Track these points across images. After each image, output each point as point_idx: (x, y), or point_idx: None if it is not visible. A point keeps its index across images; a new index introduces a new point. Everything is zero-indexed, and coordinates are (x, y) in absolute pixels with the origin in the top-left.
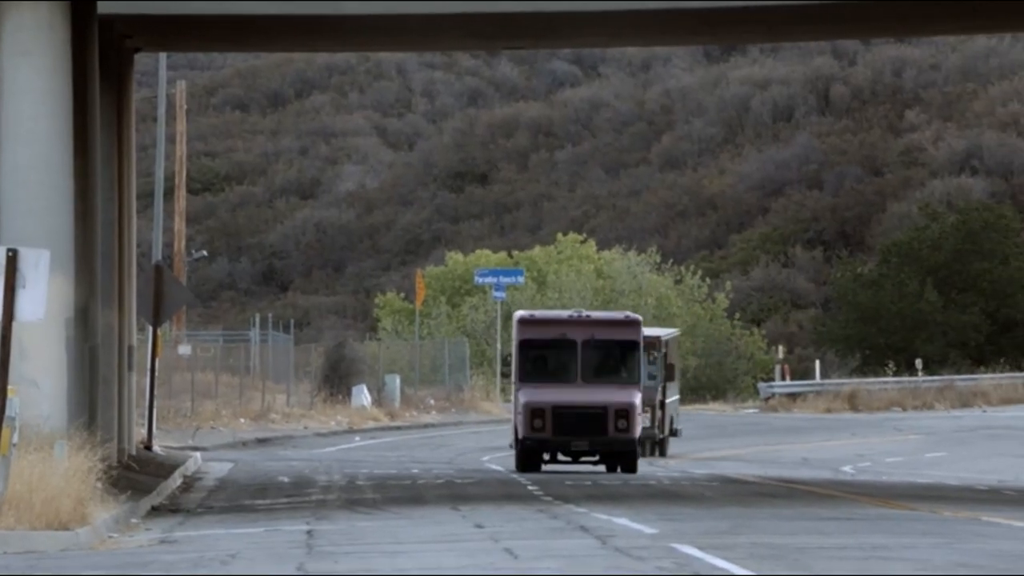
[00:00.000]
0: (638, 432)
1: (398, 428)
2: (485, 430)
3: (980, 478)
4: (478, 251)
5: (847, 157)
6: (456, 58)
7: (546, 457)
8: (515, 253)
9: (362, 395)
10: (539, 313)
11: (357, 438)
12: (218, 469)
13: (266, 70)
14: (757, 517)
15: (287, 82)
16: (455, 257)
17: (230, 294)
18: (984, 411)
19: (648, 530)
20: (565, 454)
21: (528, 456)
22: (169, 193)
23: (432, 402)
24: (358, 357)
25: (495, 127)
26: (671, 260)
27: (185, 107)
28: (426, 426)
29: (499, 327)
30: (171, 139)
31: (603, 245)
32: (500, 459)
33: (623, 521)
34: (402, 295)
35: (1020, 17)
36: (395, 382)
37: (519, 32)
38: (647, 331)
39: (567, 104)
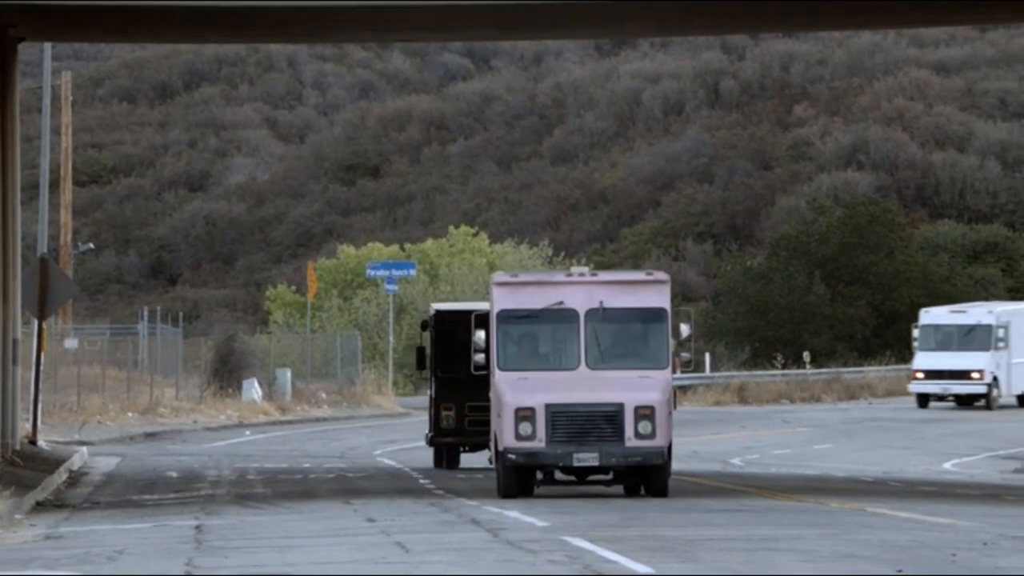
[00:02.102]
0: (669, 438)
1: (289, 422)
2: (377, 424)
3: (866, 469)
4: (370, 244)
5: (737, 151)
6: (347, 50)
7: (540, 476)
8: (407, 246)
9: (252, 389)
10: (526, 274)
11: (247, 432)
12: (105, 464)
13: (154, 61)
14: (647, 509)
15: (175, 74)
16: (347, 250)
17: (117, 287)
18: (870, 403)
19: (539, 523)
20: (566, 472)
21: (514, 476)
22: (55, 185)
23: (324, 396)
24: (248, 351)
25: (387, 120)
26: (563, 253)
27: (71, 98)
28: (317, 420)
29: (391, 320)
30: (56, 131)
31: (495, 238)
32: (392, 453)
33: (514, 514)
34: (293, 288)
35: (903, 14)
36: (286, 376)
37: (412, 25)
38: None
39: (459, 97)
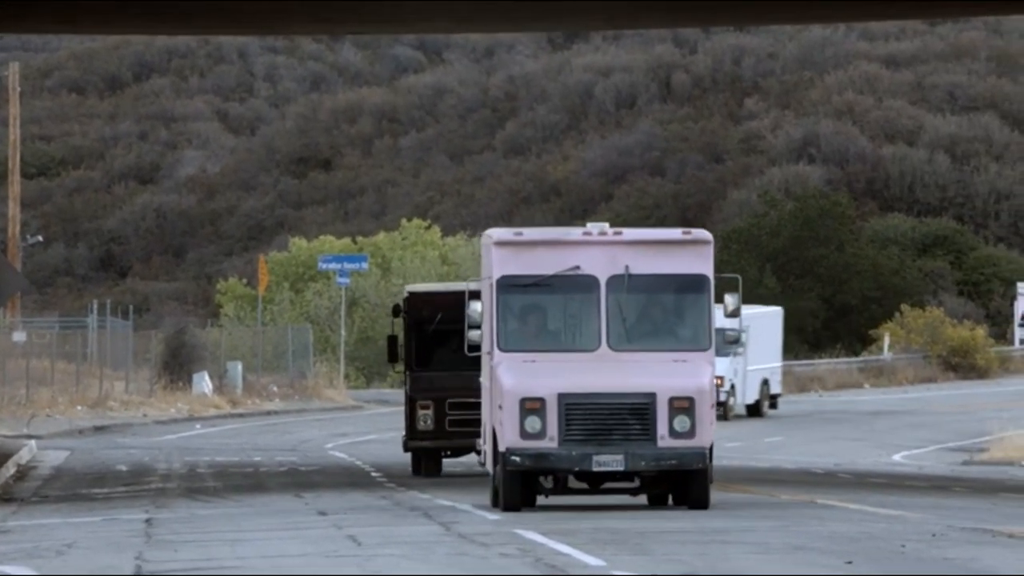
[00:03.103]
0: (711, 437)
1: (240, 415)
2: (329, 417)
3: (816, 461)
4: (322, 237)
5: (688, 144)
6: (298, 42)
7: (547, 483)
8: (359, 239)
9: (203, 382)
10: (532, 231)
11: (198, 425)
12: (54, 458)
13: (103, 53)
14: (599, 502)
15: (125, 65)
16: (298, 243)
17: (67, 280)
18: (820, 395)
19: (491, 516)
20: (582, 478)
21: (517, 483)
22: (2, 178)
23: (275, 389)
24: (199, 344)
25: (338, 112)
26: None
27: (18, 89)
28: (269, 413)
29: (343, 313)
30: (4, 122)
31: (448, 231)
32: (344, 447)
33: (467, 507)
34: (244, 281)
35: (853, 9)
36: (237, 369)
37: (363, 17)
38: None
39: (411, 90)
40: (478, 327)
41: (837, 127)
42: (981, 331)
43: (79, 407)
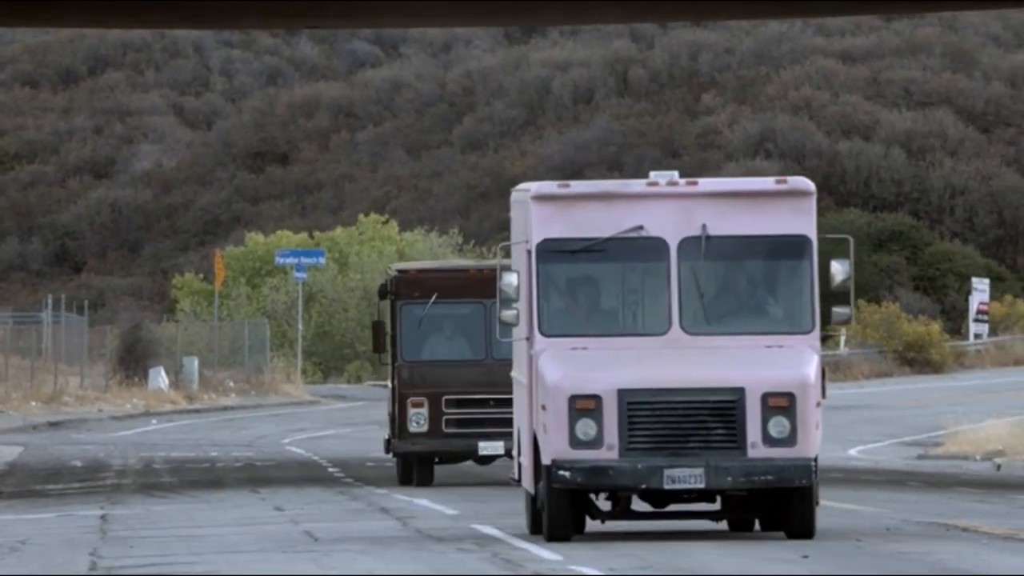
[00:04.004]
0: (816, 445)
1: (196, 411)
2: (285, 412)
3: None
4: (279, 232)
5: (646, 139)
6: (255, 37)
7: (602, 502)
8: (316, 234)
9: (159, 377)
10: (581, 184)
11: (154, 421)
12: (7, 453)
13: (57, 46)
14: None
15: (79, 59)
16: (255, 238)
17: (20, 275)
18: None
19: (449, 511)
20: (649, 498)
21: (566, 504)
22: None
23: (231, 384)
24: (155, 339)
25: (295, 107)
26: (473, 241)
27: None
28: (225, 409)
29: (300, 308)
30: None
31: (405, 226)
32: (301, 442)
33: (424, 502)
34: (201, 276)
35: (809, 4)
36: (193, 364)
37: (319, 12)
38: None
39: (368, 84)
40: (513, 304)
41: (794, 122)
42: (936, 326)
43: (33, 403)
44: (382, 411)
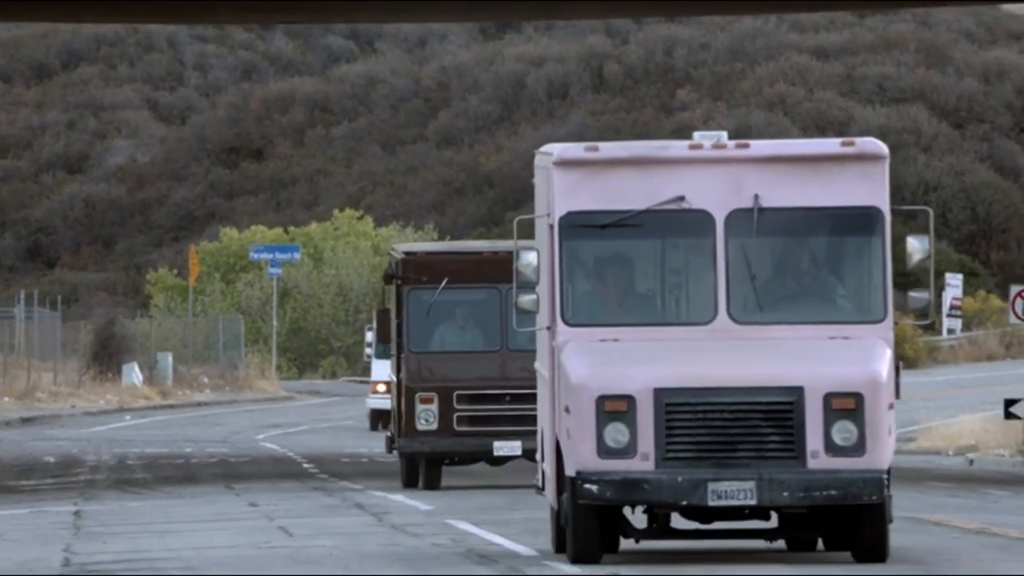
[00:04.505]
0: (889, 454)
1: (170, 407)
2: (260, 408)
3: None
4: (253, 227)
5: (621, 135)
6: (229, 31)
7: (637, 519)
8: (291, 229)
9: (133, 373)
10: (612, 147)
11: (128, 417)
12: None
13: (30, 40)
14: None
15: (52, 53)
16: (230, 233)
17: None
18: None
19: (423, 506)
20: (691, 515)
21: (593, 521)
22: None
23: (206, 380)
24: (129, 334)
25: (270, 102)
26: (448, 237)
27: None
28: (199, 404)
29: (275, 304)
30: None
31: (380, 222)
32: (276, 438)
33: (399, 498)
34: (175, 271)
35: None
36: (167, 360)
37: (293, 7)
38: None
39: (343, 80)
40: (533, 288)
41: (768, 118)
42: (910, 321)
43: (6, 398)
44: (358, 407)
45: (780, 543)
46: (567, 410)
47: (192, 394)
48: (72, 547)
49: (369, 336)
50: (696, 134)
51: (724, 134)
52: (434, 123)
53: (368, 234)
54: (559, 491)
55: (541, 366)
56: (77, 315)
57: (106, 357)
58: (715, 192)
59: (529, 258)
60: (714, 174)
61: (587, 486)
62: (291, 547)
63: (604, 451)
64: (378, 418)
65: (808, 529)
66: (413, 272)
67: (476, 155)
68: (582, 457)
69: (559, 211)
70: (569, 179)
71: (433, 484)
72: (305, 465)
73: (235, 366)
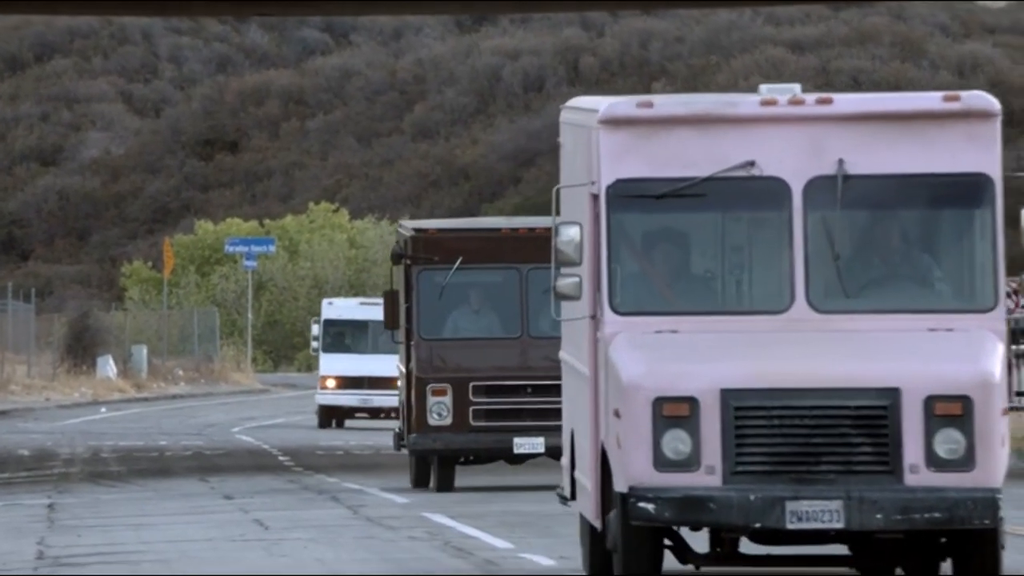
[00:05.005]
0: (1004, 467)
1: (145, 399)
2: (235, 401)
3: None
4: (228, 220)
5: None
6: (204, 24)
7: (696, 539)
8: (266, 222)
9: (107, 366)
10: (669, 102)
11: (103, 409)
12: None
13: (3, 33)
14: (510, 486)
15: (26, 45)
16: (205, 226)
17: None
18: None
19: (399, 499)
20: (763, 539)
21: (645, 545)
22: None
23: (181, 373)
24: (103, 327)
25: (245, 94)
26: None
27: None
28: (174, 397)
29: (250, 297)
30: None
31: (356, 214)
32: (251, 431)
33: (375, 491)
34: (150, 264)
35: None
36: (142, 353)
37: None
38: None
39: (318, 72)
40: (574, 269)
41: None
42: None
43: None
44: None
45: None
46: (617, 414)
47: (167, 387)
48: (46, 540)
49: (315, 329)
50: (764, 87)
51: (798, 87)
52: (409, 116)
53: (343, 227)
54: (604, 509)
55: (570, 355)
56: (51, 308)
57: (80, 350)
58: (792, 156)
59: (571, 234)
60: (790, 135)
61: (642, 505)
62: (266, 540)
63: (662, 463)
64: (328, 415)
65: (892, 558)
66: (423, 251)
67: (452, 148)
68: (636, 470)
69: (606, 179)
70: (618, 141)
71: (446, 485)
72: (280, 458)
73: (210, 359)
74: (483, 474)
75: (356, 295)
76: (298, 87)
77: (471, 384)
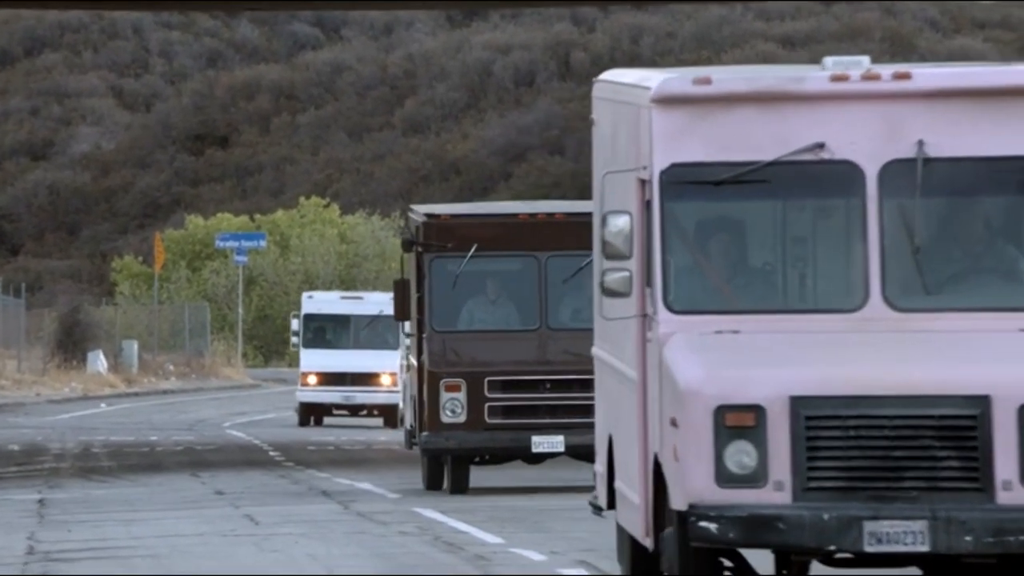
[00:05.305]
0: None
1: (136, 394)
2: (226, 396)
3: None
4: (219, 214)
5: (587, 123)
6: (194, 18)
7: (759, 560)
8: (257, 217)
9: (98, 361)
10: (727, 78)
11: (102, 404)
12: None
13: None
14: (499, 480)
15: (16, 40)
16: (195, 220)
17: None
18: None
19: (390, 494)
20: (837, 562)
21: (706, 569)
22: None
23: (171, 368)
24: (94, 322)
25: (235, 89)
26: None
27: None
28: (165, 392)
29: (241, 292)
30: None
31: (347, 209)
32: (242, 426)
33: (366, 486)
34: (140, 259)
35: None
36: (132, 348)
37: None
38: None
39: (309, 67)
40: (623, 263)
41: None
42: None
43: None
44: None
45: None
46: (674, 423)
47: (158, 382)
48: (36, 535)
49: (295, 324)
50: (830, 60)
51: (866, 59)
52: (400, 111)
53: (334, 222)
54: (656, 526)
55: (606, 351)
56: (41, 302)
57: (71, 345)
58: (865, 138)
59: (620, 224)
60: (864, 114)
61: (703, 524)
62: (257, 535)
63: (725, 478)
64: (309, 413)
65: None
66: (436, 237)
67: (443, 143)
68: (695, 486)
69: (660, 163)
70: (673, 121)
71: (460, 486)
72: (271, 453)
73: (201, 354)
74: (498, 473)
75: (348, 290)
76: (289, 82)
77: (487, 379)
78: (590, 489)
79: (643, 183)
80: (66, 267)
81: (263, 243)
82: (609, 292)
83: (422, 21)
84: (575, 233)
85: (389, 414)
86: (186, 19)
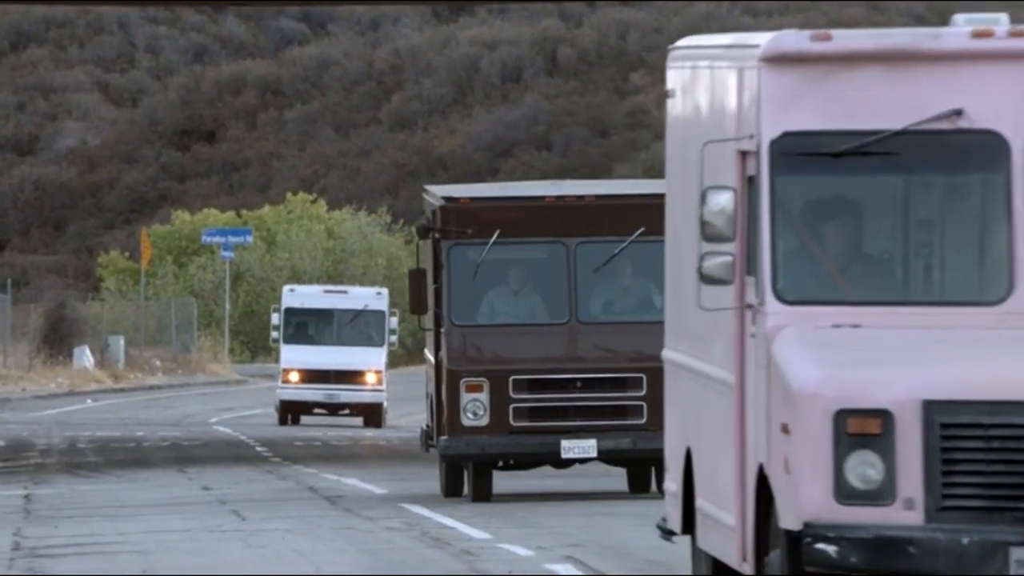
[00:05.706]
0: None
1: (122, 390)
2: (213, 392)
3: None
4: (206, 210)
5: (575, 119)
6: (180, 13)
7: None
8: (244, 212)
9: (84, 356)
10: (849, 37)
11: (88, 400)
12: None
13: None
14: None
15: (1, 34)
16: (182, 216)
17: None
18: None
19: (377, 490)
20: None
21: None
22: None
23: (158, 363)
24: (80, 317)
25: (222, 84)
26: (402, 220)
27: None
28: (152, 388)
29: (227, 287)
30: None
31: (333, 205)
32: (229, 421)
33: (353, 481)
34: (127, 254)
35: None
36: (119, 343)
37: None
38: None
39: (295, 62)
40: (725, 245)
41: None
42: None
43: None
44: None
45: None
46: (785, 430)
47: (144, 377)
48: (23, 531)
49: (275, 318)
50: (961, 17)
51: (1004, 16)
52: (387, 106)
53: (321, 217)
54: (761, 549)
55: (681, 355)
56: (27, 298)
57: (57, 340)
58: (1012, 105)
59: (722, 202)
60: (1011, 77)
61: (819, 546)
62: (244, 531)
63: (846, 493)
64: (289, 411)
65: None
66: (455, 223)
67: (430, 138)
68: (811, 502)
69: (769, 132)
70: (786, 83)
71: (483, 494)
72: (258, 448)
73: (188, 349)
74: (524, 479)
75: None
76: (275, 77)
77: (511, 378)
78: (590, 489)
79: (744, 155)
80: (52, 262)
81: (250, 239)
82: (709, 279)
83: (409, 16)
84: (607, 217)
85: (372, 413)
86: (172, 14)
